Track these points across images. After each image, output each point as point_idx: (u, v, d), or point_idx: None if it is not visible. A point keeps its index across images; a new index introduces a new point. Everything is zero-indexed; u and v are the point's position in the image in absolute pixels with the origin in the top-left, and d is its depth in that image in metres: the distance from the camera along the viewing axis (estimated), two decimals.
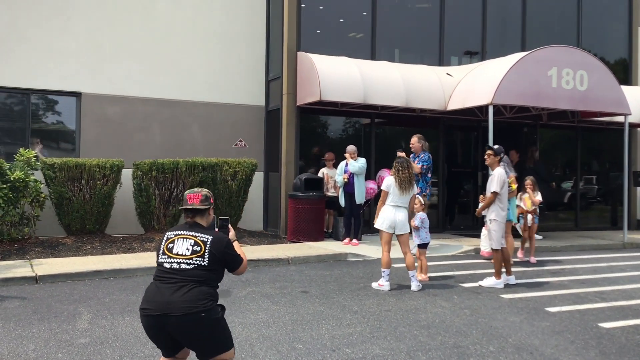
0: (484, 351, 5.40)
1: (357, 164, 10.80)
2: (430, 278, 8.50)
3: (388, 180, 7.73)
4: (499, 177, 7.96)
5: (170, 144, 11.98)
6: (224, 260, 3.80)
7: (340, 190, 11.13)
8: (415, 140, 10.26)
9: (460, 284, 8.17)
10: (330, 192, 11.72)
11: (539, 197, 10.06)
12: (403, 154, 9.09)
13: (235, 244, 4.00)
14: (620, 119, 12.70)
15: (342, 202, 11.15)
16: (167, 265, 3.71)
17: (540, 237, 12.65)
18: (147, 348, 5.26)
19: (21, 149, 10.19)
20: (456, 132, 14.19)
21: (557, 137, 15.40)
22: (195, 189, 3.97)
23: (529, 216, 10.07)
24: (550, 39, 14.04)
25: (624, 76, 15.36)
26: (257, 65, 12.84)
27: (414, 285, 7.69)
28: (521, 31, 14.27)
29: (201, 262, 3.69)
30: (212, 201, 3.97)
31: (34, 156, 10.05)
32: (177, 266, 3.68)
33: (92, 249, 9.72)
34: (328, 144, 12.89)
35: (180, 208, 4.08)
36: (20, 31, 11.07)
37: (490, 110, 10.82)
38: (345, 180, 10.90)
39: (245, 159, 11.46)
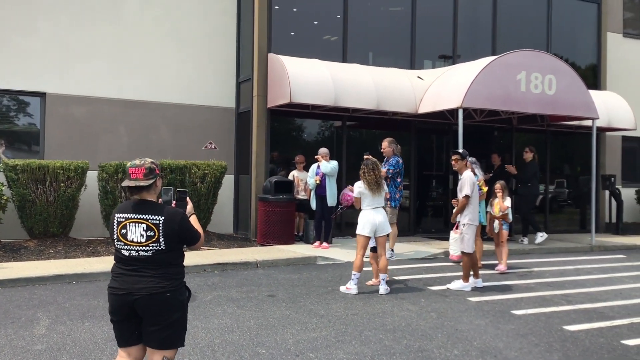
0: (448, 355, 5.37)
1: (329, 165, 10.69)
2: (399, 281, 8.49)
3: (358, 186, 7.69)
4: (469, 180, 7.97)
5: (138, 146, 11.78)
6: (181, 237, 3.62)
7: (312, 193, 10.99)
8: (386, 144, 10.13)
9: (429, 287, 8.15)
10: (301, 195, 11.65)
11: (507, 203, 9.55)
12: (370, 157, 9.08)
13: (192, 218, 3.79)
14: (589, 123, 12.84)
15: (313, 205, 11.00)
16: (126, 253, 3.58)
17: (526, 241, 12.65)
18: (105, 355, 5.12)
19: None
20: (427, 135, 14.22)
21: (529, 141, 15.50)
22: (137, 161, 3.63)
23: (496, 222, 9.60)
24: (520, 43, 14.10)
25: (594, 81, 15.57)
26: (228, 66, 12.72)
27: (383, 289, 7.64)
28: (492, 36, 14.36)
29: (158, 247, 3.55)
30: (157, 171, 3.67)
31: None
32: (136, 254, 3.56)
33: (56, 252, 9.50)
34: (299, 146, 12.81)
35: (123, 185, 3.76)
36: None
37: (460, 113, 10.85)
38: (317, 182, 10.79)
39: (214, 162, 11.33)
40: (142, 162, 3.63)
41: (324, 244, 10.88)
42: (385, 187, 8.01)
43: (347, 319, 6.45)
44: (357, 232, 7.69)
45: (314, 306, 6.94)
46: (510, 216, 9.56)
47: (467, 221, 8.03)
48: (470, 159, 8.97)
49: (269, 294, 7.49)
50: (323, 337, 5.79)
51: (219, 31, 12.61)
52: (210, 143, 12.54)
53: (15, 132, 11.33)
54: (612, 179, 14.85)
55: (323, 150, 10.94)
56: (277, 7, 12.17)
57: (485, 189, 9.40)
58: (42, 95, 11.26)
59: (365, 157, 8.45)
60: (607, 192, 15.43)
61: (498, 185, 9.66)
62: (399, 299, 7.41)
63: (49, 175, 9.87)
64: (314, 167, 11.01)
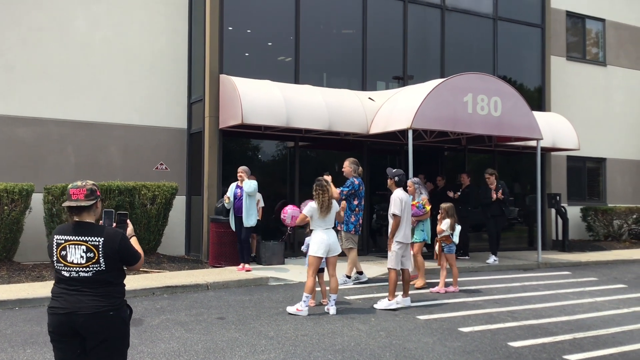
0: None
1: (252, 184, 10.30)
2: (350, 301, 8.52)
3: (310, 206, 7.71)
4: (395, 200, 8.09)
5: (86, 167, 11.57)
6: (121, 257, 3.67)
7: (230, 213, 10.60)
8: (346, 164, 9.78)
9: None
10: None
11: (443, 226, 9.23)
12: (328, 178, 9.11)
13: (133, 240, 3.85)
14: (534, 143, 13.24)
15: (232, 225, 10.61)
16: (66, 274, 3.60)
17: (467, 257, 12.98)
18: None
19: None
20: (380, 155, 14.40)
21: (479, 161, 15.88)
22: (78, 183, 3.69)
23: (437, 244, 9.49)
24: (468, 65, 14.52)
25: (539, 103, 16.08)
26: (180, 87, 12.67)
27: (333, 310, 7.64)
28: (440, 58, 14.71)
29: (98, 267, 3.59)
30: (98, 193, 3.73)
31: None
32: (77, 275, 3.58)
33: None
34: (253, 166, 12.71)
35: (63, 205, 3.77)
36: None
37: (410, 134, 11.05)
38: (227, 202, 10.41)
39: (165, 183, 11.22)
40: (84, 183, 3.68)
41: (247, 266, 10.47)
42: (336, 205, 8.02)
43: (296, 340, 6.44)
44: (311, 253, 7.70)
45: (263, 328, 6.91)
46: (454, 238, 9.32)
47: (398, 239, 8.15)
48: (414, 179, 9.14)
49: (219, 317, 7.42)
50: (272, 359, 5.76)
51: (170, 52, 12.56)
52: (162, 164, 12.42)
53: None
54: (558, 197, 15.31)
55: (244, 168, 10.55)
56: (230, 28, 12.22)
57: (428, 207, 9.48)
58: None
59: (319, 178, 8.57)
60: (553, 210, 15.88)
61: (441, 208, 9.38)
62: (349, 319, 7.44)
63: None
64: (232, 186, 10.61)
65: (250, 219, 10.37)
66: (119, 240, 3.65)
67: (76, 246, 3.59)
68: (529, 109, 12.46)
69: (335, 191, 9.14)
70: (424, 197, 9.29)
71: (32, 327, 6.73)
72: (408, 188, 9.16)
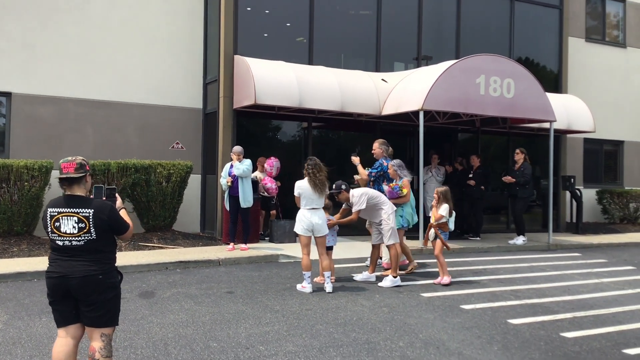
0: (393, 346, 5.61)
1: (242, 166, 10.24)
2: (357, 279, 8.69)
3: (299, 185, 7.77)
4: (358, 196, 8.20)
5: (104, 146, 11.88)
6: (110, 226, 3.99)
7: (226, 194, 10.56)
8: (376, 146, 9.43)
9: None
10: (266, 194, 11.83)
11: (442, 212, 8.51)
12: (357, 159, 9.24)
13: (122, 212, 4.17)
14: (548, 125, 13.22)
15: (227, 206, 10.56)
16: (60, 243, 3.94)
17: (479, 238, 13.11)
18: None
19: None
20: (392, 137, 14.42)
21: (493, 143, 15.90)
22: (69, 158, 4.00)
23: (432, 231, 8.69)
24: (483, 47, 14.49)
25: (555, 84, 16.00)
26: (195, 67, 12.86)
27: (329, 287, 7.77)
28: (455, 39, 14.70)
29: (89, 237, 3.92)
30: (87, 168, 4.04)
31: None
32: (69, 244, 3.92)
33: (19, 251, 9.57)
34: (267, 146, 13.00)
35: (56, 177, 4.13)
36: None
37: (421, 115, 11.14)
38: (229, 183, 10.33)
39: (180, 161, 11.47)
40: (74, 158, 4.02)
41: (242, 245, 10.49)
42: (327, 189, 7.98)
43: (301, 313, 6.66)
44: (294, 229, 7.88)
45: (270, 302, 7.14)
46: (450, 225, 8.60)
47: (388, 212, 8.27)
48: (394, 161, 8.97)
49: (228, 291, 7.67)
50: (275, 330, 5.99)
51: (186, 32, 12.75)
52: (177, 143, 12.67)
53: None
54: (572, 179, 15.29)
55: (237, 149, 10.48)
56: (249, 8, 12.38)
57: (405, 191, 8.82)
58: (7, 95, 11.30)
59: (352, 158, 9.06)
60: (568, 193, 15.86)
61: (436, 192, 8.72)
62: (354, 295, 7.64)
63: (13, 174, 9.92)
64: (226, 166, 10.56)
65: (247, 199, 10.34)
66: (107, 211, 3.97)
67: (69, 217, 3.89)
68: (543, 90, 12.44)
69: (364, 172, 9.25)
70: (405, 180, 8.84)
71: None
72: (388, 170, 8.94)
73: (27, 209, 10.13)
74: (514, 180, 12.70)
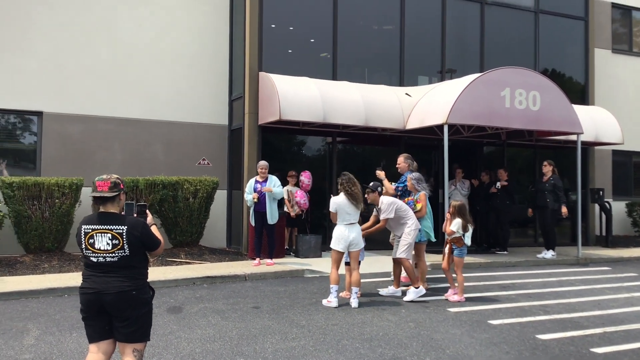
0: None
1: (277, 189, 10.35)
2: (383, 294, 8.68)
3: (336, 201, 7.82)
4: (382, 202, 8.26)
5: (132, 163, 12.08)
6: (142, 243, 4.07)
7: (251, 210, 10.54)
8: (401, 160, 9.40)
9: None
10: (295, 209, 11.89)
11: (453, 227, 8.26)
12: (382, 173, 9.26)
13: (153, 228, 4.24)
14: (575, 137, 13.08)
15: (252, 221, 10.57)
16: (94, 260, 4.02)
17: (506, 252, 13.00)
18: None
19: None
20: (417, 151, 14.42)
21: (519, 156, 15.77)
22: (104, 176, 4.09)
23: (447, 247, 8.55)
24: (508, 59, 14.46)
25: (582, 96, 15.85)
26: (221, 84, 13.04)
27: (355, 302, 7.77)
28: (479, 52, 14.68)
29: (123, 253, 4.00)
30: (122, 186, 4.13)
31: None
32: (104, 260, 4.01)
33: (50, 267, 9.76)
34: (292, 161, 13.08)
35: (89, 196, 4.20)
36: None
37: (446, 129, 11.12)
38: (255, 200, 10.31)
39: (206, 177, 11.61)
40: (109, 176, 4.10)
41: (268, 260, 10.52)
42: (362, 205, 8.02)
43: (327, 329, 6.67)
44: (331, 246, 7.89)
45: (296, 317, 7.17)
46: (466, 240, 8.31)
47: (411, 227, 8.28)
48: (414, 174, 8.92)
49: (254, 306, 7.71)
50: (301, 346, 6.01)
51: (212, 50, 12.95)
52: (204, 159, 12.83)
53: (12, 150, 11.64)
54: (601, 192, 15.07)
55: (262, 164, 10.52)
56: (273, 25, 12.55)
57: (419, 205, 8.68)
58: (39, 114, 11.59)
59: (377, 172, 9.05)
60: (597, 206, 15.63)
61: (451, 206, 8.48)
62: (379, 310, 7.63)
63: (44, 191, 10.15)
64: (251, 182, 10.54)
65: (274, 216, 10.42)
66: (140, 227, 4.05)
67: (102, 234, 3.99)
68: (569, 102, 12.33)
69: (390, 187, 9.21)
70: (421, 194, 8.75)
71: (79, 314, 7.11)
72: (407, 183, 8.89)
73: (58, 226, 10.33)
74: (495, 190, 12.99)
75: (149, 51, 12.43)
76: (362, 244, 7.94)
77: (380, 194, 8.34)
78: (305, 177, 11.98)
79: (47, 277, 9.07)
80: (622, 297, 8.95)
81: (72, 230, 10.70)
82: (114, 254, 3.98)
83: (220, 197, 12.61)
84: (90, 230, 4.01)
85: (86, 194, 10.80)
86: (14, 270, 9.43)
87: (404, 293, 8.44)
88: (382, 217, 8.23)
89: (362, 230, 8.20)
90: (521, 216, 14.30)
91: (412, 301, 8.14)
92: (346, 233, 7.75)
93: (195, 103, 12.76)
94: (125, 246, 3.99)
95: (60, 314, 7.14)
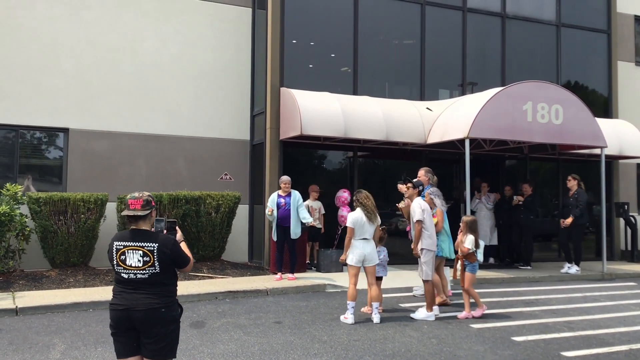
0: None
1: (305, 214, 10.49)
2: (405, 309, 8.65)
3: (353, 216, 7.87)
4: (417, 206, 8.15)
5: (155, 178, 12.24)
6: (172, 260, 4.13)
7: (274, 224, 10.60)
8: (422, 174, 9.34)
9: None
10: (315, 224, 11.93)
11: (467, 244, 8.19)
12: (403, 187, 9.25)
13: (182, 244, 4.29)
14: (598, 151, 12.96)
15: (274, 236, 10.66)
16: (125, 276, 4.08)
17: (529, 267, 12.86)
18: None
19: (7, 184, 10.45)
20: (438, 165, 14.39)
21: (542, 169, 15.65)
22: (136, 194, 4.16)
23: (459, 263, 8.49)
24: (530, 72, 14.42)
25: (605, 109, 15.71)
26: (243, 100, 13.18)
27: (377, 318, 7.77)
28: (501, 66, 14.65)
29: (153, 270, 4.06)
30: (153, 204, 4.21)
31: (20, 191, 10.29)
32: (134, 277, 4.06)
33: (76, 281, 9.89)
34: (313, 175, 13.14)
35: (122, 214, 4.25)
36: (10, 69, 11.44)
37: (467, 144, 11.09)
38: (269, 212, 10.42)
39: (228, 192, 11.70)
40: (141, 194, 4.17)
41: (289, 275, 10.58)
42: (379, 218, 8.02)
43: (349, 344, 6.67)
44: (347, 262, 7.90)
45: (318, 332, 7.17)
46: (479, 256, 8.25)
47: (424, 245, 8.14)
48: (432, 189, 8.92)
49: (276, 321, 7.74)
50: None
51: (233, 67, 13.11)
52: (226, 174, 12.94)
53: (39, 166, 11.87)
54: (626, 206, 14.87)
55: (285, 178, 10.66)
56: (294, 41, 12.68)
57: (435, 220, 8.59)
58: (65, 130, 11.81)
59: (398, 186, 9.04)
60: (622, 220, 15.42)
61: (462, 222, 8.45)
62: (402, 326, 7.60)
63: (70, 207, 10.31)
64: (274, 196, 10.62)
65: (297, 231, 10.51)
66: (170, 245, 4.11)
67: (134, 251, 4.05)
68: (592, 116, 12.22)
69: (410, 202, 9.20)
70: (438, 210, 8.72)
71: (104, 328, 7.24)
72: (425, 198, 8.79)
73: (84, 241, 10.48)
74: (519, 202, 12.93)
75: (172, 68, 12.62)
76: (376, 260, 7.94)
77: (420, 193, 8.36)
78: (349, 195, 11.99)
79: (73, 291, 9.19)
80: None
81: (97, 245, 10.84)
82: (144, 271, 4.04)
83: (242, 211, 12.70)
84: (122, 247, 4.08)
85: (111, 209, 10.99)
86: (40, 285, 9.57)
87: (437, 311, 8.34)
88: (416, 218, 8.14)
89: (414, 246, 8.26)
90: (545, 230, 14.17)
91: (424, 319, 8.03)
92: (361, 248, 7.78)
93: (218, 118, 12.91)
94: (156, 263, 4.04)
95: (86, 329, 7.23)
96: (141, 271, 4.04)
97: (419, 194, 8.41)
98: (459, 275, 8.48)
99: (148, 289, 4.05)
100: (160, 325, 4.05)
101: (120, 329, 4.09)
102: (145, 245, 4.05)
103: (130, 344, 4.11)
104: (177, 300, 4.21)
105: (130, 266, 4.05)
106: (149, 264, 4.03)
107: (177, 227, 4.37)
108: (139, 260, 4.03)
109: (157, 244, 4.06)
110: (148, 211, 4.14)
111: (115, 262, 4.10)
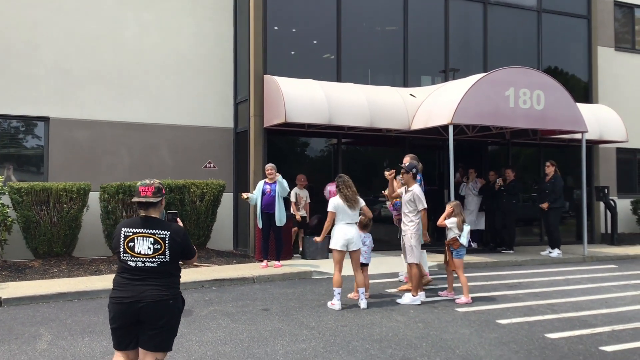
0: None
1: (284, 186, 10.35)
2: (391, 294, 8.73)
3: (334, 201, 7.87)
4: (421, 193, 8.18)
5: (139, 167, 12.14)
6: (182, 250, 4.08)
7: (258, 211, 10.54)
8: (407, 160, 9.18)
9: None
10: (301, 212, 11.96)
11: (448, 222, 8.44)
12: (388, 173, 9.25)
13: None
14: (579, 136, 13.11)
15: (259, 223, 10.58)
16: (132, 264, 3.98)
17: (512, 251, 13.03)
18: None
19: None
20: (422, 151, 14.45)
21: (524, 154, 15.80)
22: (147, 181, 4.10)
23: (446, 249, 8.56)
24: (511, 58, 14.51)
25: (586, 94, 15.87)
26: (226, 88, 13.10)
27: (363, 304, 7.83)
28: (483, 52, 14.71)
29: (163, 258, 3.99)
30: (163, 192, 4.14)
31: (1, 181, 10.16)
32: (142, 265, 3.97)
33: (59, 271, 9.81)
34: (298, 163, 13.14)
35: (133, 200, 4.19)
36: None
37: (451, 129, 11.16)
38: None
39: (213, 181, 11.66)
40: (152, 181, 4.11)
41: (275, 262, 10.60)
42: (362, 201, 8.00)
43: (336, 330, 6.71)
44: (331, 246, 7.89)
45: (305, 319, 7.21)
46: (463, 241, 8.31)
47: (414, 231, 8.18)
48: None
49: (263, 308, 7.76)
50: (312, 347, 6.05)
51: (216, 54, 13.01)
52: (210, 162, 12.88)
53: (20, 155, 11.72)
54: (606, 190, 15.09)
55: (273, 166, 10.57)
56: (276, 27, 12.60)
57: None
58: (45, 119, 11.66)
59: (385, 174, 8.91)
60: (602, 204, 15.64)
61: (449, 205, 8.66)
62: (388, 311, 7.67)
63: (52, 197, 10.21)
64: (260, 183, 10.62)
65: (282, 218, 10.48)
66: (182, 234, 4.07)
67: (144, 238, 3.97)
68: (573, 101, 12.35)
69: (397, 192, 9.09)
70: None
71: (90, 317, 7.22)
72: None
73: (67, 231, 10.39)
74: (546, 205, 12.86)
75: (154, 55, 12.49)
76: (359, 245, 7.93)
77: (414, 176, 8.28)
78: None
79: (57, 281, 9.12)
80: (629, 294, 8.97)
81: (80, 234, 10.77)
82: (154, 259, 3.95)
83: (227, 200, 12.67)
84: (131, 234, 3.98)
85: (94, 198, 10.90)
86: (24, 275, 9.49)
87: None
88: (420, 207, 8.15)
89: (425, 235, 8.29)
90: (527, 215, 14.33)
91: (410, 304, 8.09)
92: (344, 232, 7.78)
93: (201, 106, 12.82)
94: (167, 252, 3.97)
95: (72, 319, 7.19)
96: (150, 259, 3.95)
97: (414, 177, 8.33)
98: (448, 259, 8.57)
99: (155, 280, 3.95)
100: (167, 316, 3.97)
101: (123, 323, 3.97)
102: (157, 233, 3.97)
103: (132, 337, 4.01)
104: (181, 292, 4.14)
105: (139, 253, 3.95)
106: (160, 252, 3.96)
107: (178, 219, 4.28)
108: (149, 248, 3.94)
109: (169, 232, 4.00)
110: (159, 198, 4.07)
111: (122, 249, 3.99)
